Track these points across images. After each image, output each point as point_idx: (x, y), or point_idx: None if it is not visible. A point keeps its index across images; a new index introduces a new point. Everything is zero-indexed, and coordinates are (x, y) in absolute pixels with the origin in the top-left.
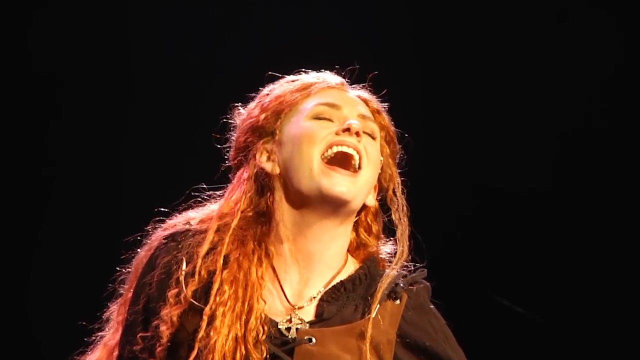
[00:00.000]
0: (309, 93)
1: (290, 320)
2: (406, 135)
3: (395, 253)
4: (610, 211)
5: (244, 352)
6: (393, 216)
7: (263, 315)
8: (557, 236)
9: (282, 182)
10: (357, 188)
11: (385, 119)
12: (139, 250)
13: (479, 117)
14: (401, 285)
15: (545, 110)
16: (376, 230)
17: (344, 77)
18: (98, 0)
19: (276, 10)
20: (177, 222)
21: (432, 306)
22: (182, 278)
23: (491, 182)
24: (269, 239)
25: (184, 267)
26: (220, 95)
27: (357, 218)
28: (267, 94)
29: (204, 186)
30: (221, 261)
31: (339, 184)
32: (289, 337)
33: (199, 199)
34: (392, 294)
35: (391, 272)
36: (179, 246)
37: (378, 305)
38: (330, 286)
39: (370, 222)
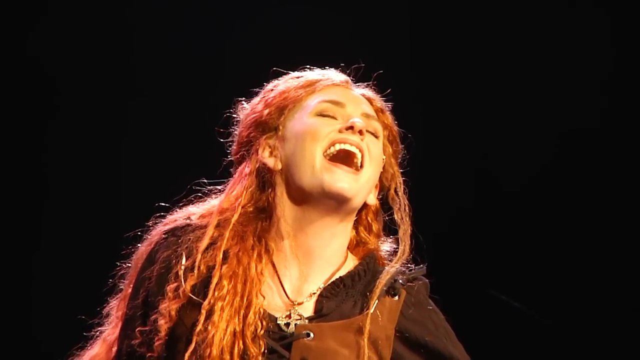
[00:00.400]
0: (314, 90)
1: (289, 316)
2: (410, 135)
3: (395, 251)
4: (609, 206)
5: (241, 347)
6: (395, 215)
7: (262, 310)
8: (554, 232)
9: (283, 178)
10: (359, 186)
11: (389, 118)
12: (139, 245)
13: (475, 110)
14: (400, 281)
15: (544, 106)
16: (376, 229)
17: (348, 75)
18: None
19: (281, 7)
20: (177, 217)
21: (431, 302)
22: (181, 272)
23: (488, 178)
24: (269, 235)
25: (183, 261)
26: (223, 90)
27: (357, 216)
28: (272, 90)
29: (205, 181)
30: (221, 256)
31: (341, 180)
32: (288, 332)
33: (200, 194)
34: (391, 290)
35: (391, 269)
36: (179, 241)
37: (377, 301)
38: (329, 282)
39: (370, 220)
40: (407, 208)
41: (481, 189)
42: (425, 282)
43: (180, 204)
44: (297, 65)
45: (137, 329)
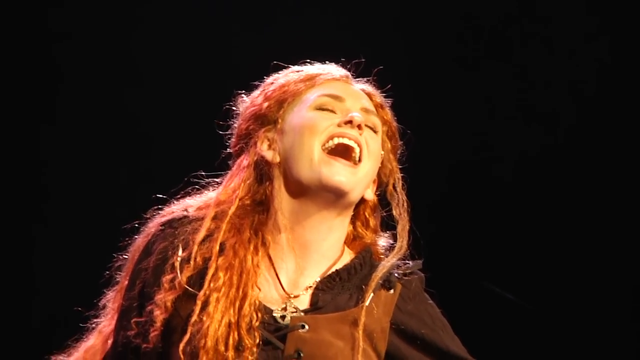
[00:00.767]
0: (314, 84)
1: (285, 309)
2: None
3: (392, 247)
4: (602, 197)
5: (236, 338)
6: (393, 211)
7: (257, 302)
8: (547, 223)
9: (281, 171)
10: (357, 179)
11: (388, 113)
12: (136, 237)
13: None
14: (396, 275)
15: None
16: (374, 224)
17: (349, 70)
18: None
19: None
20: (175, 209)
21: (427, 296)
22: (177, 264)
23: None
24: (266, 228)
25: (179, 253)
26: (223, 83)
27: (355, 212)
28: (272, 83)
29: (203, 173)
30: (217, 248)
31: (339, 173)
32: (283, 324)
33: (198, 187)
34: (387, 283)
35: (387, 263)
36: (176, 232)
37: (372, 294)
38: (325, 276)
39: (368, 216)
40: (405, 204)
41: (473, 180)
42: (421, 276)
43: (178, 197)
44: (298, 59)
45: (133, 320)
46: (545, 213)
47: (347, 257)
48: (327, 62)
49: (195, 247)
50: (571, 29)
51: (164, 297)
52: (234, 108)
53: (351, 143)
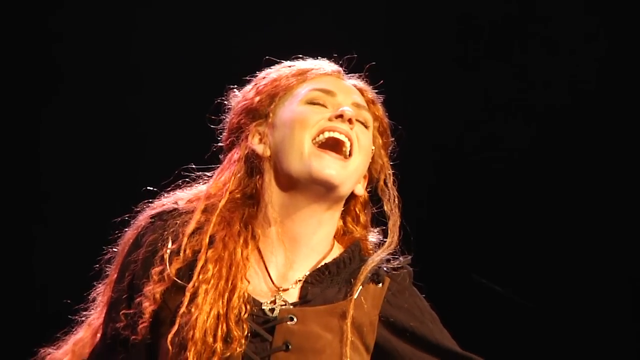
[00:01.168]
0: (305, 78)
1: (274, 302)
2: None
3: (382, 242)
4: (603, 197)
5: (225, 330)
6: (385, 207)
7: (246, 295)
8: (536, 215)
9: (272, 165)
10: (347, 173)
11: (380, 109)
12: (126, 230)
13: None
14: (384, 269)
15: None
16: (364, 220)
17: (341, 65)
18: None
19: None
20: (165, 201)
21: (415, 289)
22: (166, 256)
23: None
24: (256, 221)
25: (169, 245)
26: (215, 77)
27: (345, 207)
28: (264, 77)
29: (194, 167)
30: (207, 240)
31: (329, 166)
32: (272, 316)
33: (188, 180)
34: (375, 277)
35: (376, 258)
36: (166, 225)
37: (360, 287)
38: (314, 269)
39: (358, 211)
40: (396, 200)
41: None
42: (409, 270)
43: (168, 189)
44: (290, 55)
45: (122, 312)
46: (545, 213)
47: (337, 251)
48: (319, 57)
49: (185, 240)
50: (571, 29)
51: (153, 289)
52: (225, 102)
53: (342, 137)
